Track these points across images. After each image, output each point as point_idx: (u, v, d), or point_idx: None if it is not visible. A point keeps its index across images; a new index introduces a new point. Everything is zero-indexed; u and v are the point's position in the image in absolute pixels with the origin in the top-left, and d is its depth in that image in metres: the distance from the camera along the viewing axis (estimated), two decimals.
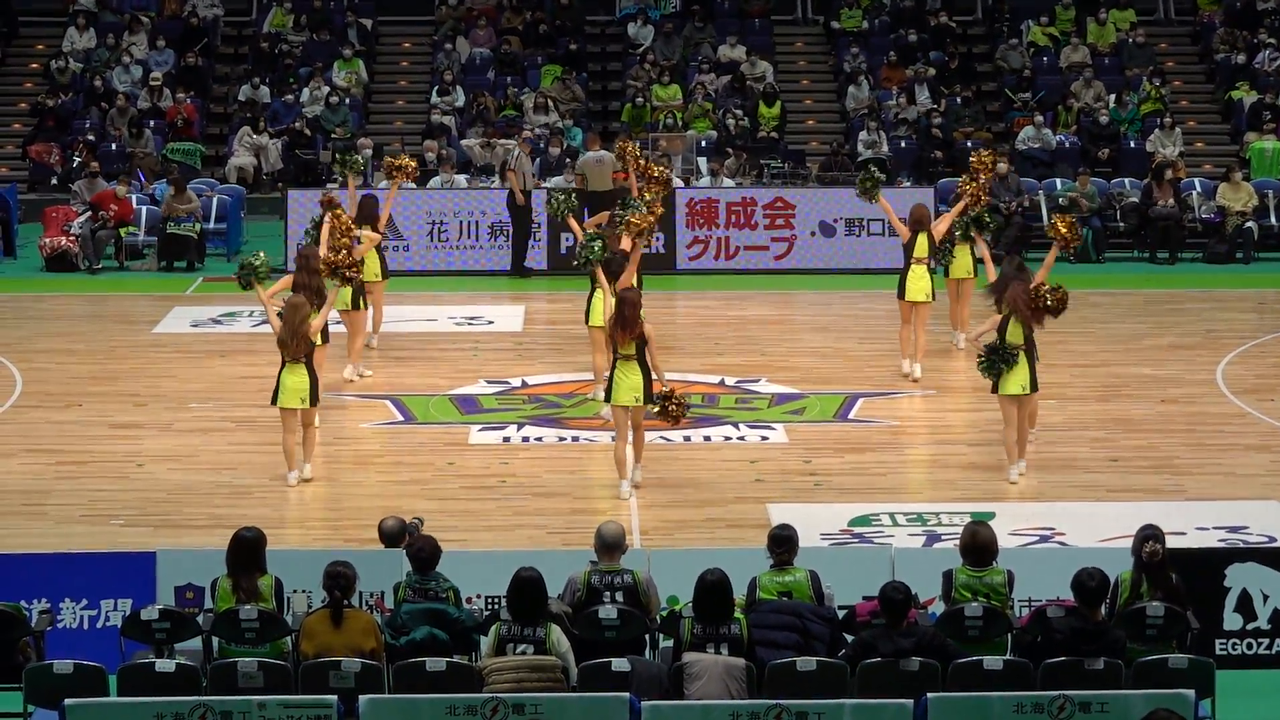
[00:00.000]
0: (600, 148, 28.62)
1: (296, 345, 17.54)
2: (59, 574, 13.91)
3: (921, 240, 21.37)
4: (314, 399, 17.75)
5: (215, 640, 12.53)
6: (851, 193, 29.54)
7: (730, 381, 21.86)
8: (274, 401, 17.66)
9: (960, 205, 21.78)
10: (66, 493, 17.79)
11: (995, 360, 17.48)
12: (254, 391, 20.77)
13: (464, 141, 32.30)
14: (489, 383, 21.70)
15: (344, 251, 18.92)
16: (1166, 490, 17.79)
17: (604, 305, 18.53)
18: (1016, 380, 17.53)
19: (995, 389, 17.68)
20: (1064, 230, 18.34)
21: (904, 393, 20.90)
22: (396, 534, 13.61)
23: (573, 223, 20.93)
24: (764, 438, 19.60)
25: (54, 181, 32.54)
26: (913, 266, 21.35)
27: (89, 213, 28.95)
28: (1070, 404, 20.63)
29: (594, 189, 27.69)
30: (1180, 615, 12.43)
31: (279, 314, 17.85)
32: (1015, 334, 17.52)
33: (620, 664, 11.80)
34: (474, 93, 34.02)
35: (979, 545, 12.86)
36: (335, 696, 11.33)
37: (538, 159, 30.19)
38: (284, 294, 18.72)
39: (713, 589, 11.86)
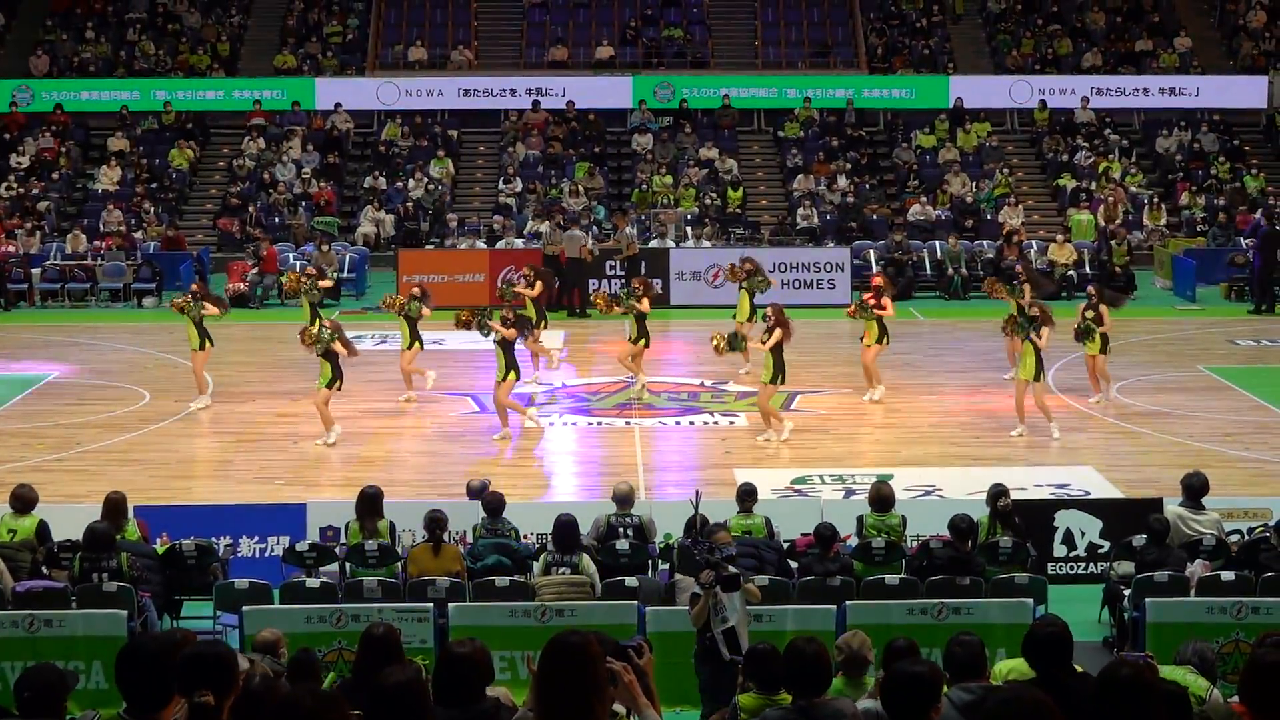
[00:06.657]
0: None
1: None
2: (238, 519, 13.96)
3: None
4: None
5: (348, 565, 12.58)
6: (794, 250, 29.58)
7: (708, 383, 21.82)
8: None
9: None
10: (244, 462, 17.80)
11: None
12: (374, 393, 20.70)
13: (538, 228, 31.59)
14: (540, 384, 21.67)
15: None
16: (1013, 459, 17.72)
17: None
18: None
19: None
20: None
21: (828, 391, 20.81)
22: (478, 490, 13.57)
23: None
24: (731, 422, 19.57)
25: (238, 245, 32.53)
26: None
27: (257, 267, 29.08)
28: (947, 400, 20.59)
29: None
30: (1023, 547, 12.45)
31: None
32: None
33: (631, 582, 11.82)
34: (529, 182, 34.03)
35: (882, 497, 12.89)
36: (432, 605, 11.38)
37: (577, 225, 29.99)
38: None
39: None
